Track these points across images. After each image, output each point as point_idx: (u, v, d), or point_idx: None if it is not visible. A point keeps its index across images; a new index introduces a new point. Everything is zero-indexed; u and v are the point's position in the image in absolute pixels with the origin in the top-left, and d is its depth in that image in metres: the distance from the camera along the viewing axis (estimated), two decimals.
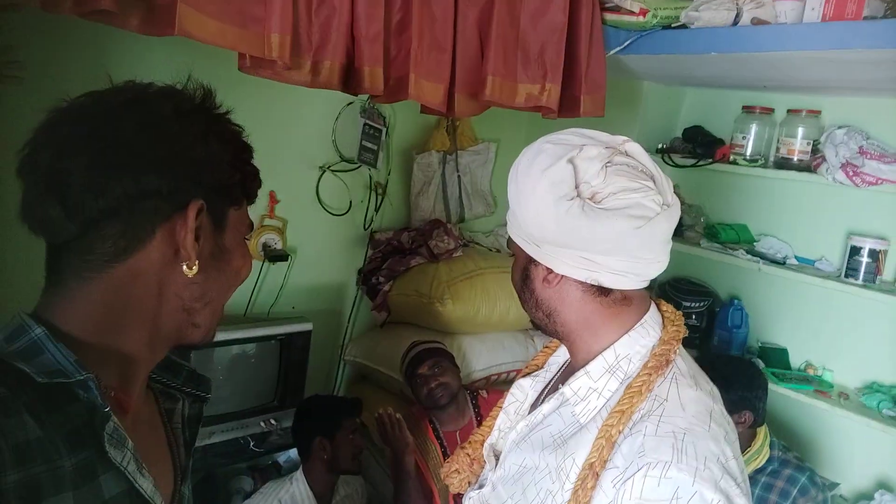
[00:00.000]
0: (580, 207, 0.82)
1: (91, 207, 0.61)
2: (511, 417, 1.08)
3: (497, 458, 1.05)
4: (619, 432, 0.82)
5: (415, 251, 2.44)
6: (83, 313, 0.64)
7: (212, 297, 0.71)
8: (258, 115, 2.14)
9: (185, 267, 0.66)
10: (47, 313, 0.64)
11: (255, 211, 2.23)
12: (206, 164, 0.66)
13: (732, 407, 1.79)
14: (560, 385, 0.94)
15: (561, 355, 1.09)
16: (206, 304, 0.70)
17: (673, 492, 0.74)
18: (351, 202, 2.45)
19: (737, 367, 1.84)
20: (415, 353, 2.12)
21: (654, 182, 0.88)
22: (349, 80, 1.46)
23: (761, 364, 2.27)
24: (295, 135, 2.27)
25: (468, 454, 1.10)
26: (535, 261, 0.91)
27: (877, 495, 2.02)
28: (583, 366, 0.91)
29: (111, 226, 0.62)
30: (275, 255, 2.27)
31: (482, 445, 1.09)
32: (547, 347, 1.14)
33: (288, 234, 2.33)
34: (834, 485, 2.18)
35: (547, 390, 1.05)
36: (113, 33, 1.26)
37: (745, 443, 1.85)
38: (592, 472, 0.81)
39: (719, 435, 0.82)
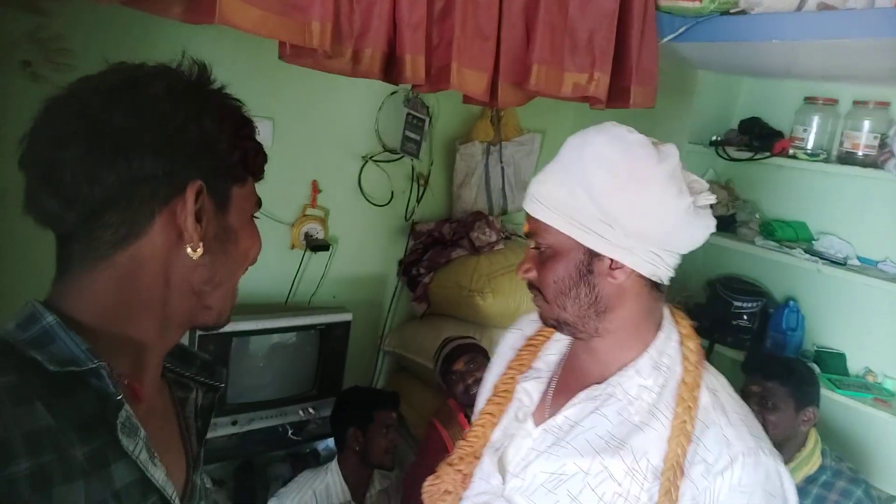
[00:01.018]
0: (694, 204, 0.84)
1: (87, 197, 0.60)
2: (515, 423, 0.99)
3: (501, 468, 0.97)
4: (693, 427, 0.85)
5: (456, 243, 2.41)
6: (93, 301, 0.63)
7: (221, 279, 0.69)
8: (301, 105, 2.14)
9: (189, 250, 0.65)
10: (59, 302, 0.63)
11: (298, 201, 2.24)
12: (202, 143, 0.64)
13: (800, 403, 1.72)
14: (594, 384, 0.92)
15: (554, 353, 1.02)
16: (216, 286, 0.69)
17: (766, 475, 0.84)
18: (393, 193, 2.43)
19: (793, 365, 1.76)
20: (449, 349, 2.09)
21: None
22: (390, 69, 1.44)
23: (817, 369, 2.16)
24: (338, 124, 2.26)
25: (460, 470, 0.97)
26: (597, 254, 0.86)
27: None
28: (618, 364, 0.91)
29: (111, 213, 0.61)
30: (316, 245, 2.27)
31: (476, 459, 0.98)
32: (531, 346, 1.05)
33: (330, 223, 2.32)
34: (891, 498, 2.07)
35: (553, 391, 0.99)
36: (156, 21, 1.27)
37: (796, 447, 1.76)
38: (679, 469, 0.83)
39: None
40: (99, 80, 0.64)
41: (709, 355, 2.37)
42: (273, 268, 2.22)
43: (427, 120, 2.32)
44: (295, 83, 2.07)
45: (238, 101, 0.70)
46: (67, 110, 0.62)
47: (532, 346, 1.04)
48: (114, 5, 1.16)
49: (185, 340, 0.78)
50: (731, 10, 1.75)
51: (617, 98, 1.73)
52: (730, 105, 2.47)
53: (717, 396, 0.89)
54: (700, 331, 2.49)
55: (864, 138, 2.01)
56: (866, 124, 2.01)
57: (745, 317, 2.29)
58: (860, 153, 2.02)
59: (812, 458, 1.74)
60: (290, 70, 1.53)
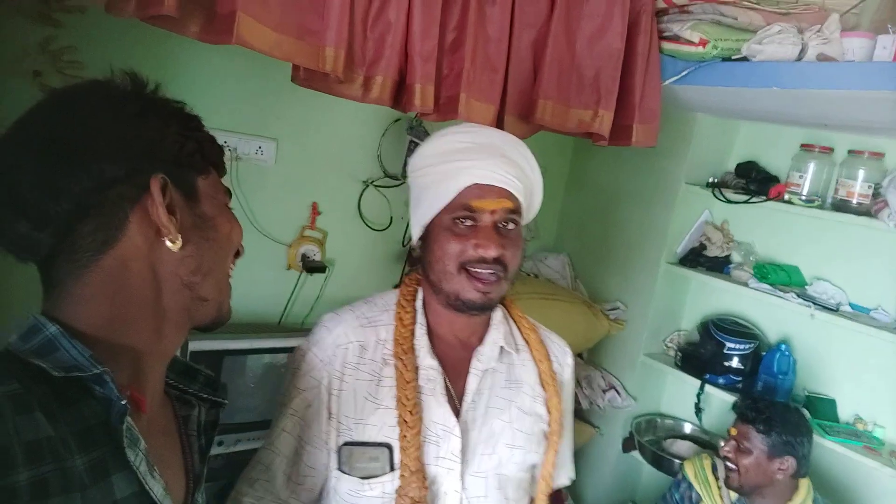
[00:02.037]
0: None
1: (56, 212, 0.61)
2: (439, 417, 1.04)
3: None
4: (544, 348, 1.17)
5: None
6: (88, 310, 0.64)
7: (210, 267, 0.70)
8: (305, 127, 2.16)
9: (168, 243, 0.66)
10: (56, 313, 0.63)
11: (297, 222, 2.24)
12: (154, 140, 0.66)
13: (774, 451, 1.71)
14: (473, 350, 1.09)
15: (422, 346, 1.06)
16: (206, 275, 0.70)
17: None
18: (392, 218, 2.44)
19: (781, 411, 1.76)
20: None
21: None
22: (400, 97, 1.46)
23: (807, 414, 2.16)
24: (341, 148, 2.28)
25: (421, 483, 0.99)
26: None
27: None
28: (484, 329, 1.12)
29: (84, 223, 0.63)
30: (313, 267, 2.26)
31: (424, 478, 0.99)
32: (402, 347, 1.05)
33: (327, 245, 2.32)
34: None
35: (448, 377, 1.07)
36: (172, 39, 1.28)
37: (786, 494, 1.75)
38: (552, 375, 1.14)
39: None
40: (38, 105, 0.66)
41: (699, 395, 2.37)
42: (268, 288, 2.21)
43: None
44: (300, 106, 2.09)
45: (178, 101, 0.72)
46: (12, 138, 0.63)
47: (403, 349, 1.04)
48: (131, 20, 1.17)
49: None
50: (733, 57, 1.79)
51: (619, 135, 1.76)
52: (727, 148, 2.51)
53: (538, 325, 1.21)
54: (691, 371, 2.49)
55: (858, 187, 2.05)
56: (861, 173, 2.05)
57: (737, 359, 2.30)
58: (854, 201, 2.05)
59: None
60: (296, 92, 1.54)
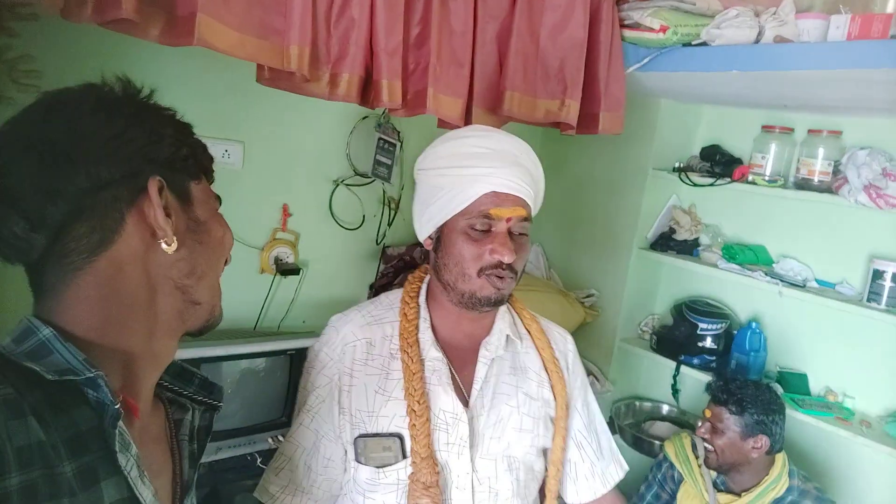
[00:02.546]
0: None
1: (52, 213, 0.61)
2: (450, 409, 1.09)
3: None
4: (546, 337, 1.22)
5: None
6: (81, 313, 0.63)
7: (203, 271, 0.70)
8: (272, 128, 2.13)
9: (164, 245, 0.66)
10: (49, 316, 0.63)
11: (268, 224, 2.22)
12: (150, 143, 0.66)
13: (748, 431, 1.75)
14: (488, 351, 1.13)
15: (426, 339, 1.10)
16: (199, 278, 0.70)
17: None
18: (364, 216, 2.43)
19: (753, 391, 1.80)
20: None
21: None
22: (367, 94, 1.45)
23: (780, 389, 2.21)
24: (309, 148, 2.26)
25: (432, 469, 1.04)
26: None
27: None
28: (491, 323, 1.16)
29: (79, 224, 0.62)
30: (286, 269, 2.24)
31: (435, 463, 1.04)
32: (408, 342, 1.10)
33: (300, 247, 2.31)
34: None
35: (455, 369, 1.12)
36: (131, 43, 1.25)
37: (763, 470, 1.80)
38: (555, 361, 1.19)
39: None
40: (31, 107, 0.65)
41: (675, 377, 2.41)
42: (242, 292, 2.18)
43: (398, 145, 2.34)
44: (266, 106, 2.07)
45: (169, 108, 0.72)
46: (10, 138, 0.63)
47: (408, 343, 1.09)
48: (87, 25, 1.15)
49: None
50: (693, 42, 1.82)
51: (586, 124, 1.78)
52: (691, 132, 2.56)
53: (537, 316, 1.25)
54: (667, 353, 2.53)
55: (819, 165, 2.11)
56: (821, 152, 2.11)
57: (710, 339, 2.35)
58: (816, 179, 2.11)
59: (779, 482, 1.78)
60: (262, 93, 1.52)
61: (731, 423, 1.76)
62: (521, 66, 1.63)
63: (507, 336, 1.16)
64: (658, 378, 2.61)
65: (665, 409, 2.63)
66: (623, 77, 1.85)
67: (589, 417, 1.26)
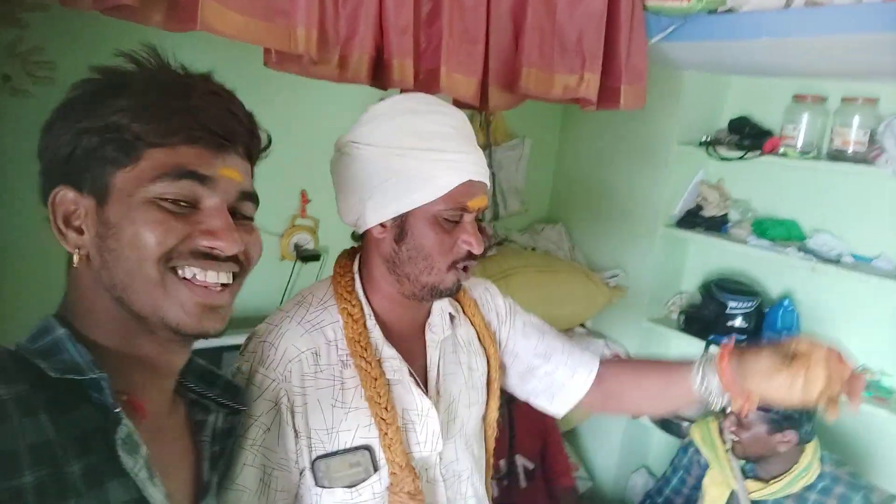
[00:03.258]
0: None
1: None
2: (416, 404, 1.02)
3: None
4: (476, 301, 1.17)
5: None
6: (79, 313, 0.65)
7: (124, 282, 0.62)
8: (288, 113, 2.11)
9: (74, 259, 0.64)
10: (65, 314, 0.66)
11: (286, 211, 2.21)
12: (50, 149, 0.64)
13: (775, 427, 1.68)
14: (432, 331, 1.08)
15: (377, 336, 1.00)
16: (125, 289, 0.62)
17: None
18: None
19: None
20: None
21: None
22: (378, 74, 1.41)
23: None
24: (326, 132, 2.20)
25: (413, 476, 0.96)
26: None
27: None
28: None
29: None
30: (307, 255, 2.23)
31: (413, 469, 0.96)
32: (359, 345, 0.99)
33: (320, 233, 2.29)
34: (892, 497, 2.05)
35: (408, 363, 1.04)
36: (136, 30, 1.24)
37: (793, 458, 1.74)
38: (486, 324, 1.15)
39: None
40: None
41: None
42: (263, 280, 2.18)
43: None
44: (282, 91, 2.04)
45: (96, 79, 0.66)
46: None
47: (361, 346, 0.97)
48: (92, 12, 1.13)
49: None
50: (719, 9, 1.74)
51: (607, 99, 1.71)
52: (718, 105, 2.47)
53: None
54: (695, 332, 2.47)
55: (853, 134, 2.01)
56: (856, 120, 2.01)
57: (741, 317, 2.28)
58: (850, 150, 2.01)
59: (809, 470, 1.72)
60: (277, 78, 1.50)
61: (757, 419, 1.70)
62: (537, 40, 1.57)
63: (449, 314, 1.10)
64: (687, 358, 2.55)
65: None
66: (645, 48, 1.78)
67: (540, 331, 1.20)
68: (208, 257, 0.64)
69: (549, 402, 1.19)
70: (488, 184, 1.00)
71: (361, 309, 1.00)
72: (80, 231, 0.64)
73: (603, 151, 2.66)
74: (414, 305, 1.04)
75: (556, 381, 1.17)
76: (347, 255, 1.09)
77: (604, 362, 1.19)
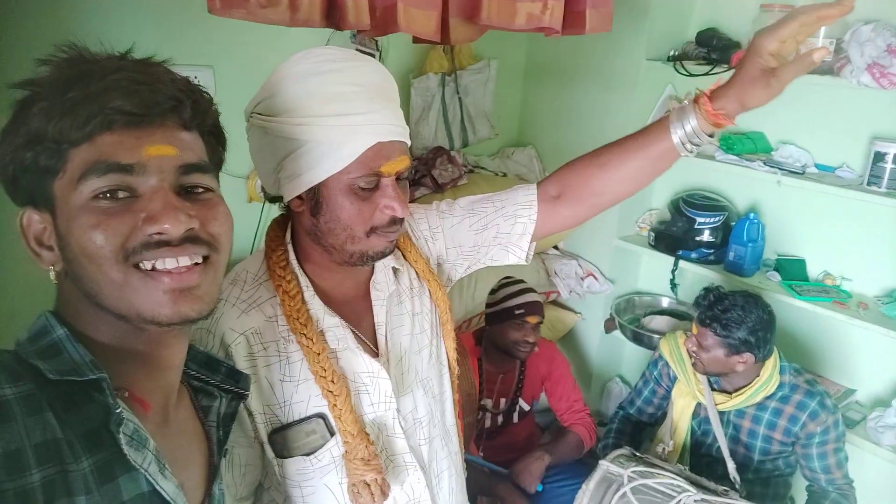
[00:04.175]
0: None
1: None
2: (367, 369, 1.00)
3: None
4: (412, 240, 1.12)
5: (418, 182, 2.36)
6: (74, 312, 0.64)
7: (94, 289, 0.61)
8: (243, 52, 2.02)
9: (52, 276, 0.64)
10: (63, 312, 0.64)
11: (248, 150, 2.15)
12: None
13: (732, 350, 1.75)
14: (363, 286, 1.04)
15: (316, 307, 0.97)
16: (97, 295, 0.61)
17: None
18: None
19: (738, 313, 1.74)
20: (532, 299, 2.09)
21: None
22: (332, 15, 1.34)
23: (778, 277, 2.23)
24: None
25: (367, 442, 0.95)
26: None
27: (894, 402, 2.02)
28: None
29: None
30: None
31: (366, 435, 0.95)
32: (297, 320, 0.95)
33: None
34: (850, 391, 2.19)
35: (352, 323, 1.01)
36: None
37: (754, 372, 1.82)
38: (427, 264, 1.09)
39: None
40: None
41: (674, 272, 2.42)
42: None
43: (377, 55, 2.22)
44: (234, 30, 1.94)
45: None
46: None
47: (301, 322, 0.95)
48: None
49: None
50: None
51: (572, 24, 1.66)
52: (686, 16, 2.41)
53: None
54: (664, 249, 2.52)
55: (819, 43, 1.98)
56: (822, 30, 1.98)
57: (708, 232, 2.33)
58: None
59: (770, 382, 1.81)
60: (222, 26, 1.42)
61: (716, 342, 1.76)
62: None
63: (393, 267, 1.06)
64: (657, 274, 2.62)
65: (664, 301, 2.66)
66: None
67: (462, 207, 1.13)
68: (161, 245, 0.60)
69: (506, 252, 1.12)
70: (408, 141, 0.93)
71: (298, 283, 0.96)
72: (51, 249, 0.62)
73: (571, 71, 2.60)
74: (353, 269, 0.99)
75: (502, 232, 1.10)
76: (278, 226, 1.03)
77: (552, 174, 1.10)
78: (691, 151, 0.98)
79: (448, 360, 1.15)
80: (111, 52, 0.65)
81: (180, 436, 0.71)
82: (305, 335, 0.93)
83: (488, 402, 2.20)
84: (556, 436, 2.25)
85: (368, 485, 0.93)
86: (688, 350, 1.88)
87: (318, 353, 0.92)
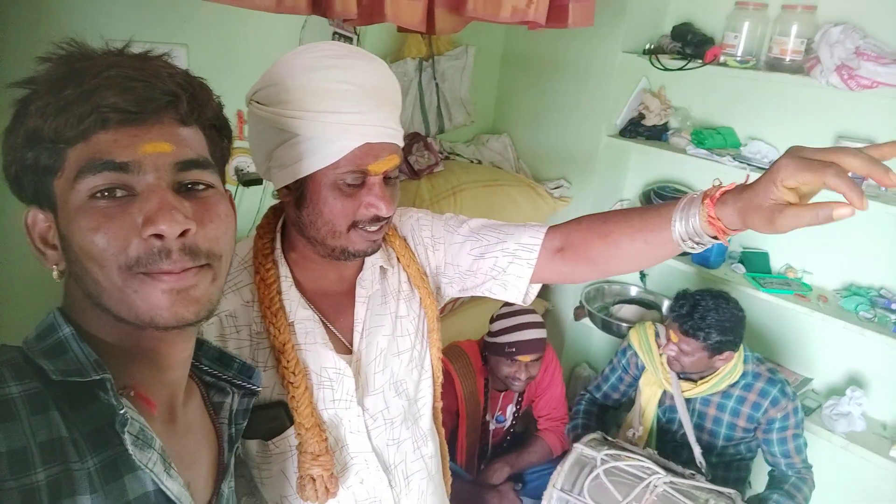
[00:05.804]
0: None
1: None
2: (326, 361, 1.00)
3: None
4: (403, 240, 1.11)
5: None
6: (79, 314, 0.64)
7: (96, 291, 0.60)
8: (218, 30, 1.97)
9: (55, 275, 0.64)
10: (69, 311, 0.64)
11: None
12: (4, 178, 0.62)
13: (714, 350, 1.81)
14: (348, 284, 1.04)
15: (292, 299, 0.98)
16: (99, 297, 0.60)
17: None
18: None
19: (714, 316, 1.79)
20: (527, 337, 1.99)
21: None
22: (318, 3, 1.32)
23: (742, 269, 2.30)
24: (259, 49, 2.09)
25: (319, 437, 0.96)
26: None
27: (848, 391, 2.12)
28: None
29: None
30: (249, 180, 2.16)
31: (321, 431, 0.96)
32: (270, 311, 0.96)
33: None
34: (807, 380, 2.29)
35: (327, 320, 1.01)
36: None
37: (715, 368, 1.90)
38: (418, 267, 1.09)
39: None
40: None
41: None
42: None
43: (355, 38, 2.18)
44: (212, 11, 1.89)
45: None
46: None
47: (271, 311, 0.96)
48: None
49: None
50: None
51: (555, 17, 1.67)
52: (662, 10, 2.44)
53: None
54: None
55: (791, 43, 2.04)
56: (794, 29, 2.03)
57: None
58: (787, 59, 2.05)
59: (734, 372, 1.89)
60: (205, 10, 1.38)
61: (698, 348, 1.83)
62: None
63: (381, 267, 1.07)
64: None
65: (633, 290, 2.72)
66: None
67: (470, 228, 1.11)
68: (161, 255, 0.59)
69: (504, 290, 1.08)
70: (400, 143, 0.93)
71: (277, 272, 0.97)
72: (55, 248, 0.62)
73: (548, 62, 2.61)
74: (337, 263, 1.00)
75: (498, 266, 1.07)
76: (273, 214, 1.04)
77: (562, 225, 1.05)
78: (693, 249, 0.86)
79: (432, 368, 1.14)
80: (109, 47, 0.64)
81: (188, 433, 0.71)
82: (274, 325, 0.94)
83: (498, 417, 2.21)
84: (524, 443, 2.25)
85: (314, 479, 0.94)
86: (668, 357, 1.92)
87: (284, 344, 0.94)
